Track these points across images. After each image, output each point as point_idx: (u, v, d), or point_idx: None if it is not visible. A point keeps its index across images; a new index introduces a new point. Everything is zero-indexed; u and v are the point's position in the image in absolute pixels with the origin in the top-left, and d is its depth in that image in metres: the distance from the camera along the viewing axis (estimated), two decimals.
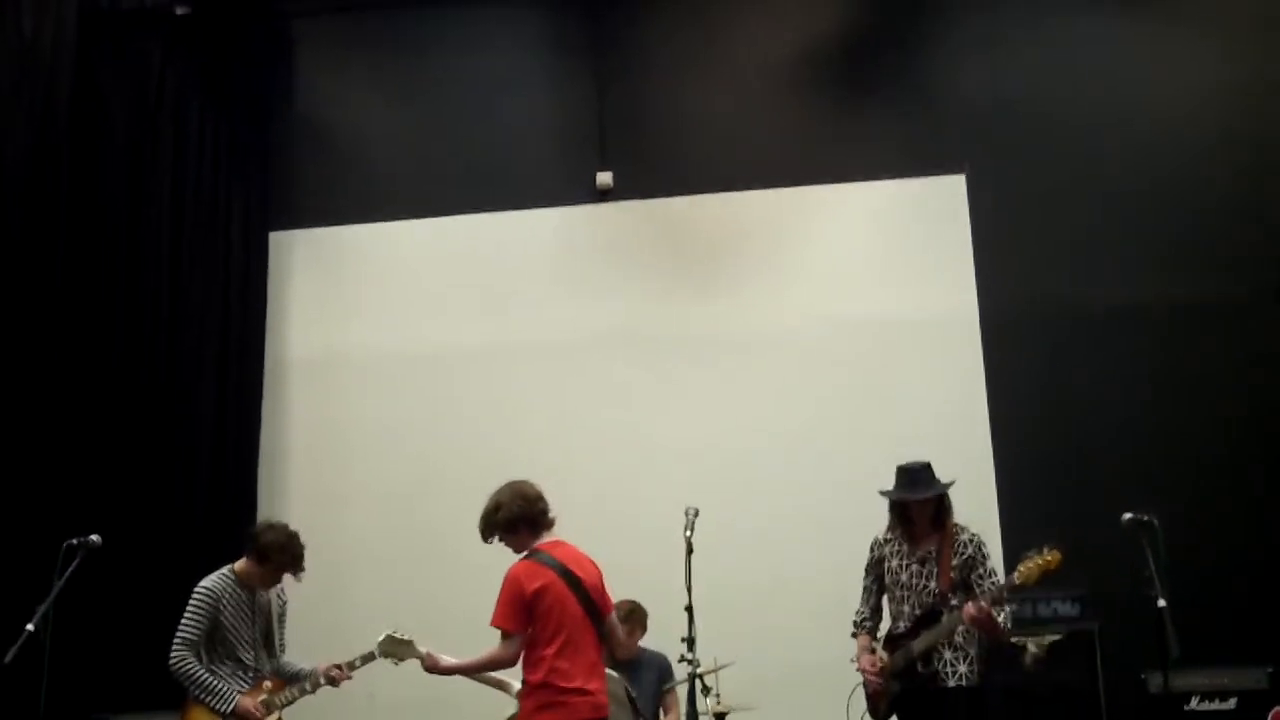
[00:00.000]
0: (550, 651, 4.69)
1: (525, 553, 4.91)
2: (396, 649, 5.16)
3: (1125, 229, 7.52)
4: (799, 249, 7.83)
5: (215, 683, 5.26)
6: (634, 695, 5.73)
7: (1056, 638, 6.05)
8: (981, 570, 5.04)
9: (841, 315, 7.66)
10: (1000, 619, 4.89)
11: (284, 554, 5.43)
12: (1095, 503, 6.23)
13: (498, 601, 4.79)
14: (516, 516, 4.92)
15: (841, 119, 7.99)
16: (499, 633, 4.81)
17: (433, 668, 5.09)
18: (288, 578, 5.59)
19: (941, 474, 5.23)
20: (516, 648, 4.76)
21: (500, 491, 5.01)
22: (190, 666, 5.24)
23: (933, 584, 5.07)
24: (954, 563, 5.06)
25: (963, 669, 4.96)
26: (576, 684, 4.69)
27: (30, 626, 4.77)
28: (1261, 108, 7.55)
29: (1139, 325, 7.36)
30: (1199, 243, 7.43)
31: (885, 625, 5.35)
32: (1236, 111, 7.56)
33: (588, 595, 4.83)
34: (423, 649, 5.13)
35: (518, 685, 5.07)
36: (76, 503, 7.11)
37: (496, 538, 4.97)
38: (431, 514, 7.66)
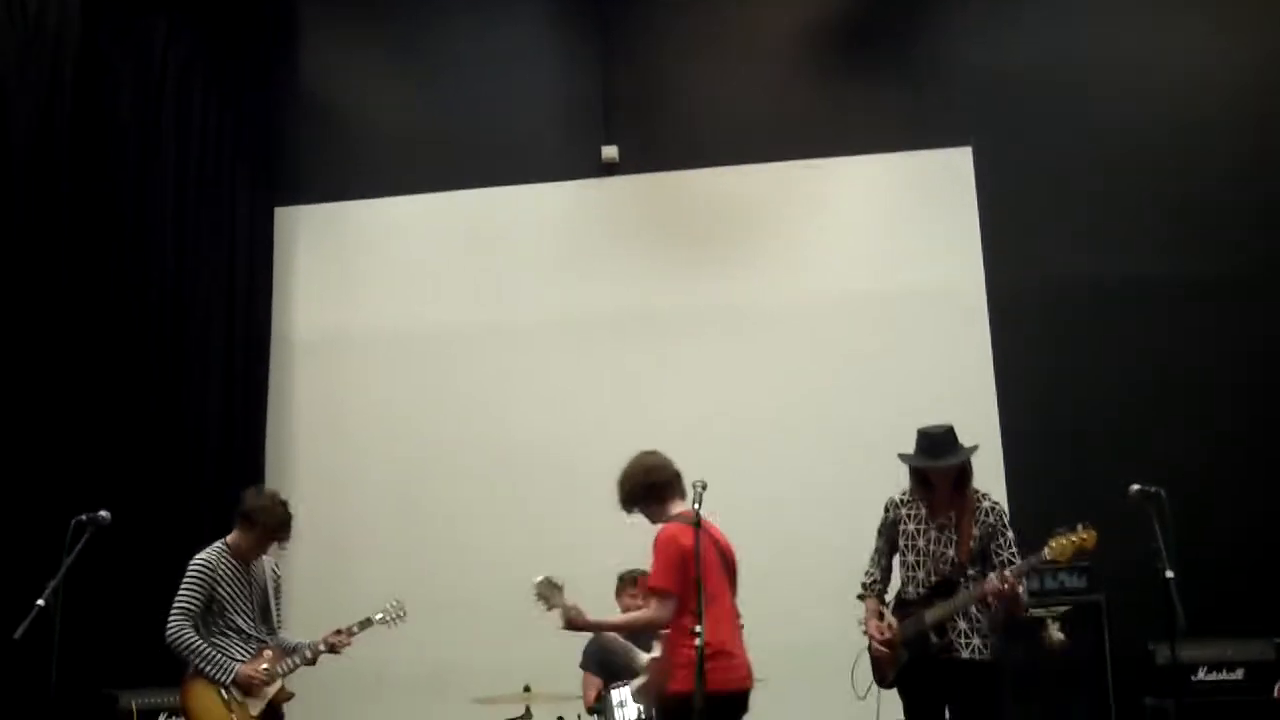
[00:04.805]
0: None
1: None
2: (550, 593, 4.88)
3: (1132, 201, 7.49)
4: (806, 222, 7.81)
5: (214, 653, 5.30)
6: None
7: (1065, 609, 6.05)
8: (1001, 540, 4.89)
9: (848, 288, 7.65)
10: (1020, 591, 4.76)
11: (269, 517, 5.43)
12: (1102, 475, 6.21)
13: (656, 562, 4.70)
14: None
15: (848, 92, 7.96)
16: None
17: (574, 621, 4.90)
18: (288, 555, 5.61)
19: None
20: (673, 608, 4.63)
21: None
22: (188, 636, 5.27)
23: (951, 552, 4.94)
24: (974, 532, 4.91)
25: (976, 641, 4.84)
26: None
27: (40, 602, 4.79)
28: (1270, 80, 7.51)
29: (1146, 297, 7.34)
30: (1207, 215, 7.40)
31: (893, 587, 5.23)
32: (1245, 84, 7.53)
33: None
34: (570, 601, 4.89)
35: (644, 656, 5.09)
36: (85, 480, 7.13)
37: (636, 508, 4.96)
38: (436, 492, 7.72)
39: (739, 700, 4.70)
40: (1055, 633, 5.78)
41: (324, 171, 8.33)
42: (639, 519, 5.03)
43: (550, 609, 4.88)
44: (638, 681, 5.21)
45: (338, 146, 8.34)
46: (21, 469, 7.09)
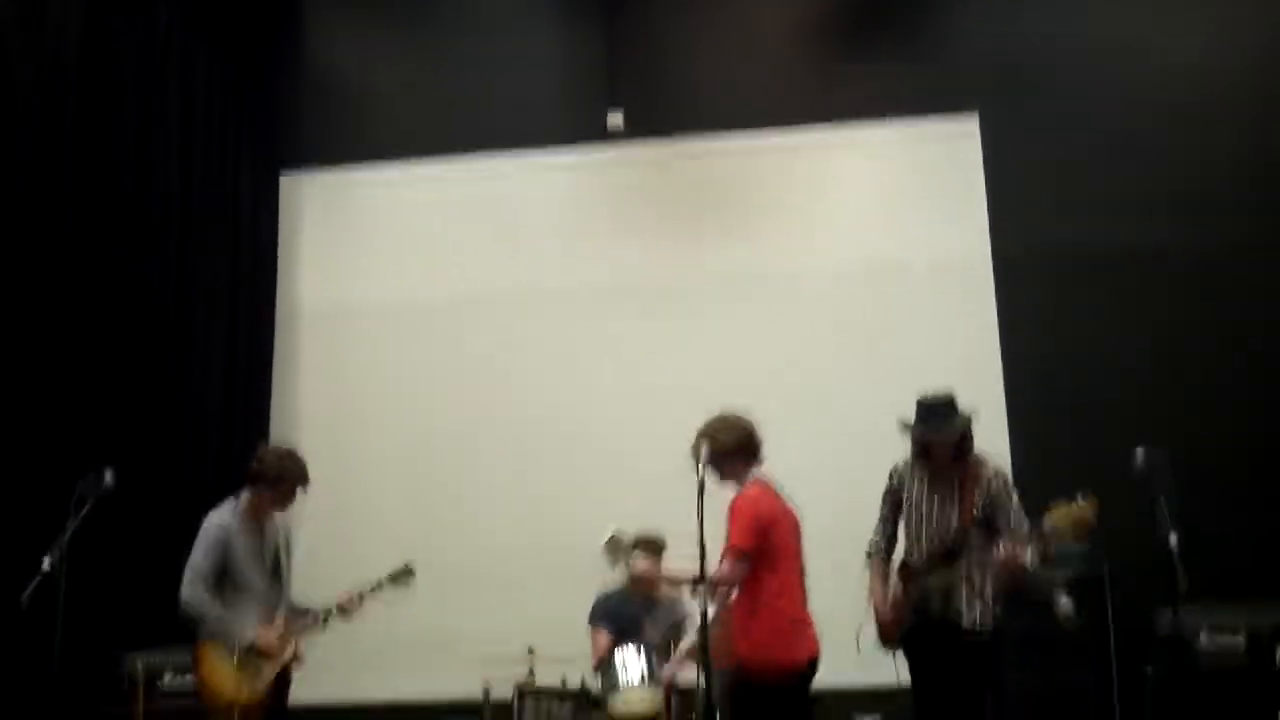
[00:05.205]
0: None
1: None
2: (617, 551, 5.07)
3: (1138, 169, 7.46)
4: (812, 190, 7.80)
5: (228, 617, 5.26)
6: (648, 638, 5.76)
7: (1067, 578, 6.04)
8: (1008, 505, 4.89)
9: (854, 256, 7.65)
10: (1026, 559, 4.73)
11: (293, 467, 5.42)
12: (1106, 441, 6.20)
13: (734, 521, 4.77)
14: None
15: (855, 59, 7.92)
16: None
17: (642, 573, 5.21)
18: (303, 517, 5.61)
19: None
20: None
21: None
22: (203, 600, 5.22)
23: (953, 519, 4.95)
24: (976, 499, 4.91)
25: (976, 610, 4.87)
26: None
27: (45, 565, 4.80)
28: (1277, 48, 7.46)
29: (1151, 264, 7.33)
30: (1212, 182, 7.37)
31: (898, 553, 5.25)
32: (1251, 52, 7.50)
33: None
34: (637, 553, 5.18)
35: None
36: (91, 445, 7.13)
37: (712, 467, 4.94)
38: (442, 459, 7.73)
39: (815, 667, 4.86)
40: (1064, 602, 5.76)
41: (329, 138, 8.31)
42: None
43: (616, 565, 5.07)
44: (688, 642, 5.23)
45: (342, 113, 8.32)
46: (27, 433, 7.09)
